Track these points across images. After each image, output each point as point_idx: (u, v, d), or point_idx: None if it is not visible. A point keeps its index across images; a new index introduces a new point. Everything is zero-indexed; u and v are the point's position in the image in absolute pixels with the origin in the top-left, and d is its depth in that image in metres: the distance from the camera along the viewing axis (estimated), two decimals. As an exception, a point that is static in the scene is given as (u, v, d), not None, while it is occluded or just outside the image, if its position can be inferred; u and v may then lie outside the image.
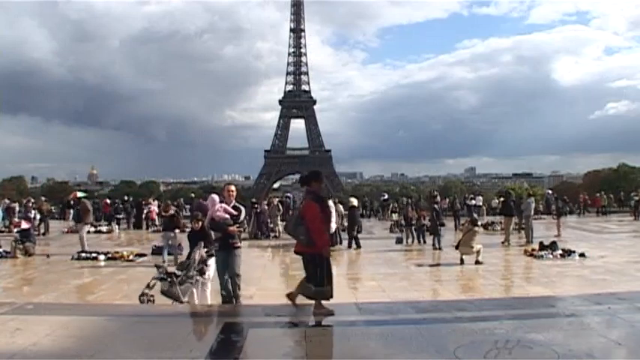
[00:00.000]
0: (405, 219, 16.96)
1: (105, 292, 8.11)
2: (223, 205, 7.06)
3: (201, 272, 7.32)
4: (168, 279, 6.99)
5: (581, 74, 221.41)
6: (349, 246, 14.50)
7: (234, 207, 7.17)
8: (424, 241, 15.32)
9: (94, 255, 12.77)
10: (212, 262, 7.51)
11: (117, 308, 6.53)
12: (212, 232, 7.34)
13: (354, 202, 15.75)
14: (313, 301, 5.98)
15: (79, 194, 14.75)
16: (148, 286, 7.11)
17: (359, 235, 15.09)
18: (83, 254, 12.88)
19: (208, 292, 7.54)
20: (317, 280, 5.88)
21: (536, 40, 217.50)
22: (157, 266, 7.37)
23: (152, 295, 6.98)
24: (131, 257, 12.83)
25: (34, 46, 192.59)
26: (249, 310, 6.73)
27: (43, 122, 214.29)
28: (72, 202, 21.69)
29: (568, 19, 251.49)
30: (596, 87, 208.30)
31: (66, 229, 19.99)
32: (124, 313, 6.35)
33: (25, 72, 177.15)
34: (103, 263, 12.21)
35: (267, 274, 10.90)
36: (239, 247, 7.21)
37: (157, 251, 13.12)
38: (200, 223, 7.94)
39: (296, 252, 6.19)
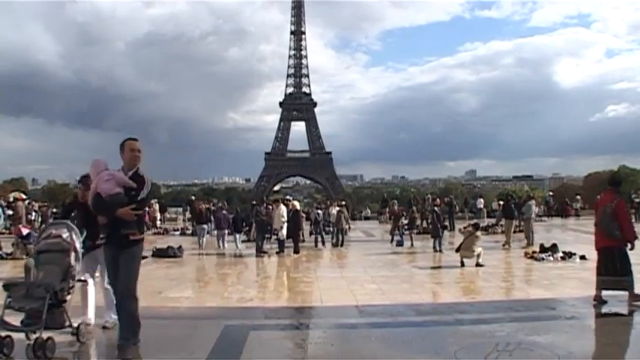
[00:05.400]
0: (410, 221, 17.07)
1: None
2: (113, 171, 4.68)
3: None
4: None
5: (581, 77, 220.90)
6: (295, 251, 13.92)
7: (133, 176, 4.66)
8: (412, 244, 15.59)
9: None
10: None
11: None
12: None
13: (297, 205, 15.78)
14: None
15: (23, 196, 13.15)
16: None
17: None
18: None
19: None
20: (616, 270, 6.46)
21: (538, 42, 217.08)
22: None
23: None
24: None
25: (39, 48, 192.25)
26: (250, 313, 6.73)
27: (46, 124, 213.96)
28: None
29: (569, 21, 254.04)
30: (596, 89, 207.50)
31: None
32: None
33: (30, 74, 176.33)
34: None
35: (266, 276, 10.89)
36: (138, 243, 4.66)
37: (158, 253, 13.12)
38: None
39: (601, 248, 6.75)
